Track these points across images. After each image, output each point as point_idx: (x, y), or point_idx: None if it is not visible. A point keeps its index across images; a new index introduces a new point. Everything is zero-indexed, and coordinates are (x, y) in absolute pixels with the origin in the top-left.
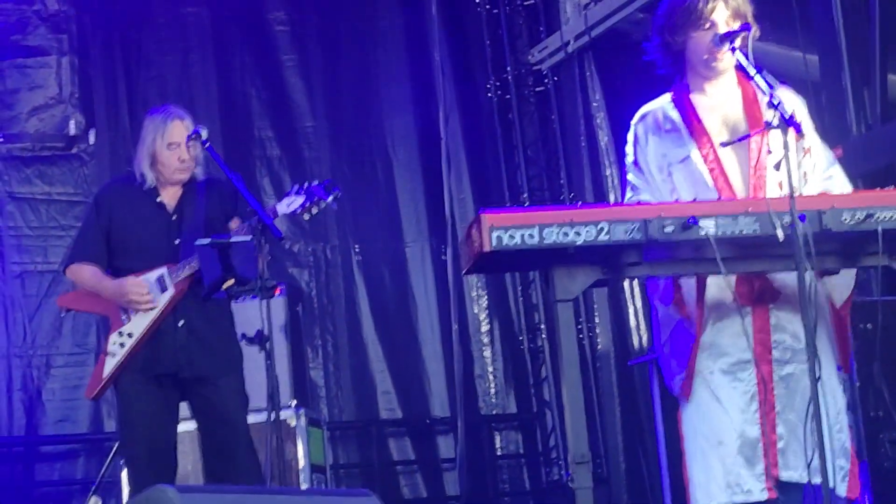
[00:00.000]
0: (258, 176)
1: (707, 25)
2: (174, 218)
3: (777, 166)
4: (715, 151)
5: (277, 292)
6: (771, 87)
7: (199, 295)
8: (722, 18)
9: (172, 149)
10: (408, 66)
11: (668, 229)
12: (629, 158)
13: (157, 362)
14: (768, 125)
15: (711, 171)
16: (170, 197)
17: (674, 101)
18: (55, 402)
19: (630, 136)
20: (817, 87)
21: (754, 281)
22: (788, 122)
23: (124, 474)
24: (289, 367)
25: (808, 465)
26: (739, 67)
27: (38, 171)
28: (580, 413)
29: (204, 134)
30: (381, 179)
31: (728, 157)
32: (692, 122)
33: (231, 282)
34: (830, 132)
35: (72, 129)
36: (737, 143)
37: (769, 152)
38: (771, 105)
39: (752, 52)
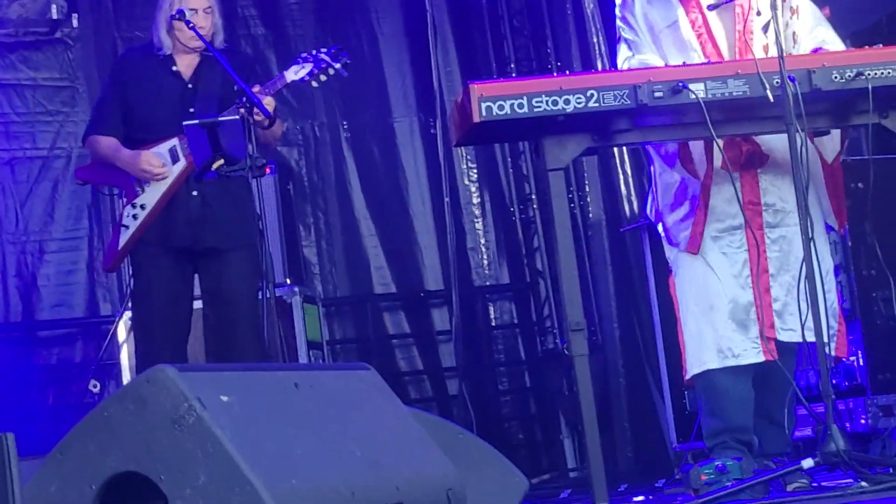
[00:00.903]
0: None
1: None
2: (189, 87)
3: (765, 28)
4: (703, 16)
5: (267, 171)
6: None
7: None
8: None
9: (189, 15)
10: None
11: (658, 94)
12: (619, 20)
13: (172, 234)
14: None
15: (699, 35)
16: (186, 66)
17: None
18: (50, 287)
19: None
20: None
21: (742, 145)
22: None
23: (123, 355)
24: (281, 246)
25: (802, 325)
26: None
27: (22, 57)
28: (574, 281)
29: (188, 14)
30: (367, 54)
31: (714, 22)
32: None
33: (220, 162)
34: None
35: (54, 13)
36: (723, 7)
37: (759, 14)
38: None
39: None
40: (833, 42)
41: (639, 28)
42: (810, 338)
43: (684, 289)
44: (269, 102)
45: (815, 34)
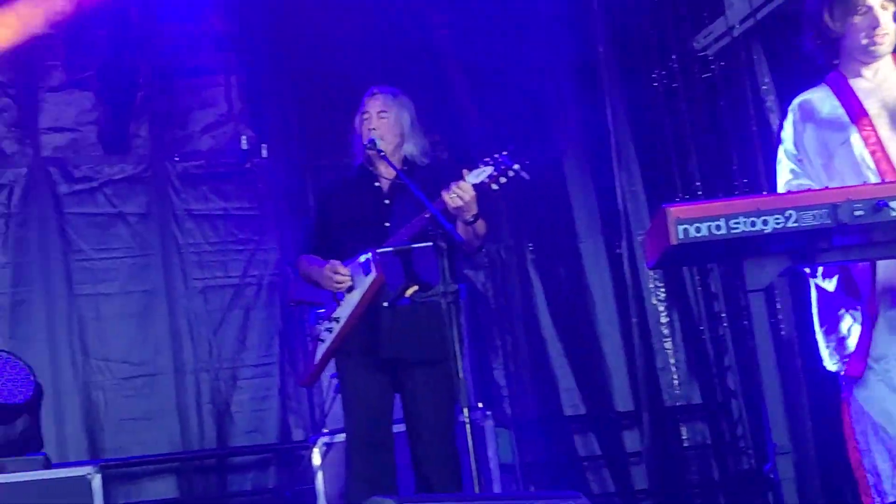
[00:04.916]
0: None
1: (863, 10)
2: (386, 203)
3: None
4: (877, 134)
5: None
6: None
7: (385, 303)
8: (877, 2)
9: (364, 118)
10: (572, 60)
11: (858, 213)
12: (787, 144)
13: (368, 345)
14: None
15: (873, 153)
16: (386, 181)
17: (831, 87)
18: (244, 413)
19: (787, 123)
20: None
21: None
22: None
23: (318, 481)
24: (473, 369)
25: None
26: None
27: (213, 188)
28: (779, 404)
29: (379, 144)
30: (551, 176)
31: (888, 139)
32: (852, 106)
33: (414, 288)
34: None
35: (243, 144)
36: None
37: None
38: None
39: None
40: None
41: (805, 154)
42: None
43: (865, 408)
44: (465, 189)
45: None
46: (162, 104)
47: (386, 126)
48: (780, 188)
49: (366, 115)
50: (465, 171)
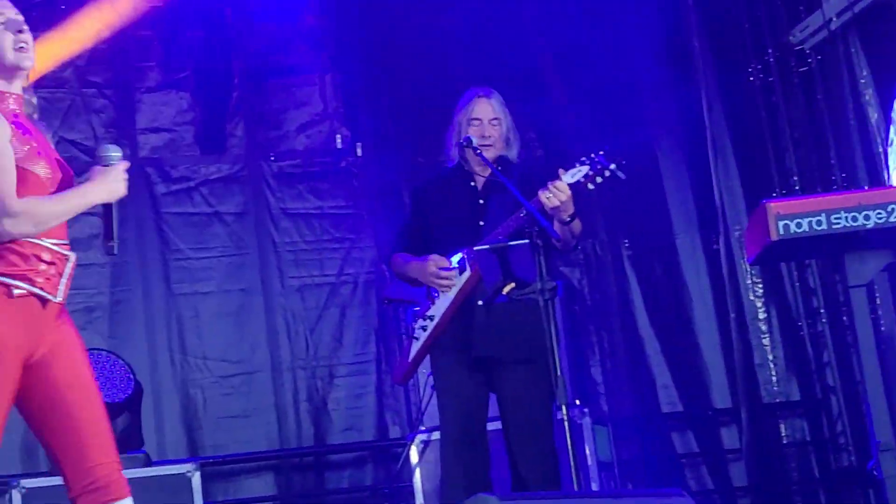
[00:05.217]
0: None
1: None
2: (481, 202)
3: None
4: None
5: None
6: None
7: (480, 301)
8: None
9: (475, 125)
10: (666, 54)
11: None
12: (893, 128)
13: (462, 344)
14: None
15: None
16: (480, 177)
17: None
18: (340, 411)
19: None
20: None
21: None
22: None
23: (416, 478)
24: (569, 366)
25: None
26: None
27: (309, 187)
28: (881, 400)
29: (474, 141)
30: (646, 171)
31: None
32: None
33: (511, 285)
34: None
35: (338, 143)
36: None
37: None
38: None
39: None
40: None
41: None
42: None
43: None
44: (562, 188)
45: None
46: (257, 104)
47: (498, 133)
48: (892, 171)
49: (475, 122)
50: (560, 171)
